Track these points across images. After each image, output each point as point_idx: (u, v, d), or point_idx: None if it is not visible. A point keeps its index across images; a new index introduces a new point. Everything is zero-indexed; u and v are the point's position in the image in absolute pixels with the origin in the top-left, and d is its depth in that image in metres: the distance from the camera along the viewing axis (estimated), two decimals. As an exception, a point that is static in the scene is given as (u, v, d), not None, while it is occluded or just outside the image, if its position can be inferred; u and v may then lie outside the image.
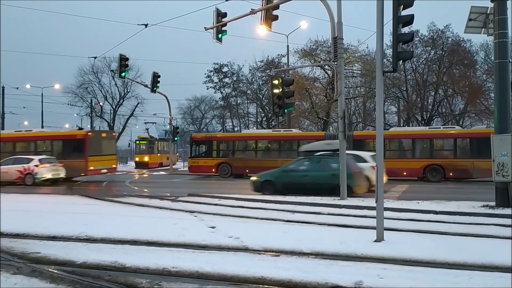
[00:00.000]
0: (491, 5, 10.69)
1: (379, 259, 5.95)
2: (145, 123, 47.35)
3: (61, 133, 26.28)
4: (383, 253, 6.16)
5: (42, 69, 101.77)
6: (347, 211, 10.60)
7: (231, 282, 5.04)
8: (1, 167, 20.74)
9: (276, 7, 13.32)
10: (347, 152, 17.89)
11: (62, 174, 21.66)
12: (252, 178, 15.67)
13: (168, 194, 15.49)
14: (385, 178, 16.15)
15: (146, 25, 20.38)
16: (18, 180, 20.66)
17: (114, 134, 27.26)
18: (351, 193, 13.29)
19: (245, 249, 6.61)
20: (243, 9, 14.25)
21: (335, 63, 13.04)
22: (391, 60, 7.74)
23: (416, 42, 34.16)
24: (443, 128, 25.96)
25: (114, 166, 25.09)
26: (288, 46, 30.18)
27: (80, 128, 25.12)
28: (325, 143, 15.61)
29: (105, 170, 23.91)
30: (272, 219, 9.52)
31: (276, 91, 13.80)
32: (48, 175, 20.91)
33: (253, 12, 13.59)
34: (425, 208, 10.56)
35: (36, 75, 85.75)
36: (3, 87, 37.98)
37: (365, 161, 15.84)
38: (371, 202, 10.17)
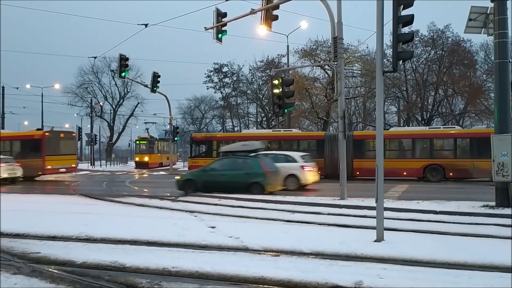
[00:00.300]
0: (491, 5, 10.70)
1: (379, 259, 5.95)
2: (145, 123, 47.46)
3: (19, 134, 26.91)
4: (383, 253, 6.16)
5: (42, 69, 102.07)
6: (347, 211, 10.60)
7: (231, 282, 5.04)
8: None
9: (276, 7, 13.32)
10: (278, 152, 19.39)
11: (19, 173, 22.10)
12: (176, 177, 16.36)
13: (168, 194, 15.48)
14: (315, 177, 17.18)
15: (146, 25, 20.39)
16: None
17: (73, 134, 27.79)
18: (262, 191, 14.16)
19: (245, 249, 6.61)
20: (243, 9, 14.27)
21: (335, 63, 13.04)
22: (391, 60, 7.74)
23: (416, 42, 34.21)
24: (443, 128, 25.96)
25: (73, 165, 25.64)
26: (288, 46, 30.26)
27: (39, 129, 25.63)
28: (242, 144, 16.71)
29: (63, 170, 24.41)
30: (272, 219, 9.52)
31: (276, 91, 13.80)
32: (5, 175, 21.27)
33: (253, 12, 13.59)
34: (425, 208, 10.55)
35: (36, 75, 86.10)
36: (3, 87, 38.07)
37: (294, 161, 16.74)
38: (371, 202, 10.17)
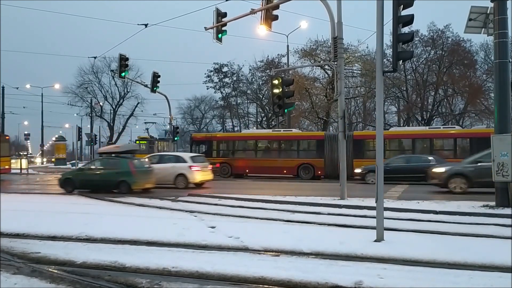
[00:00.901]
0: (491, 5, 10.69)
1: (379, 259, 5.95)
2: (145, 123, 47.41)
3: None
4: (383, 253, 6.16)
5: (42, 69, 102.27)
6: (347, 211, 10.60)
7: (231, 282, 5.04)
8: None
9: (276, 7, 13.32)
10: (171, 153, 20.87)
11: None
12: (58, 176, 17.95)
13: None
14: (205, 176, 18.52)
15: (146, 25, 20.35)
16: None
17: (7, 137, 28.28)
18: (129, 189, 15.37)
19: (245, 249, 6.61)
20: (243, 9, 14.26)
21: (335, 63, 13.04)
22: (391, 60, 7.74)
23: (416, 42, 34.19)
24: (443, 128, 25.94)
25: (7, 167, 26.20)
26: (288, 46, 30.26)
27: None
28: (114, 146, 18.61)
29: None
30: (272, 219, 9.52)
31: (276, 91, 13.79)
32: None
33: (253, 12, 13.58)
34: (425, 208, 10.56)
35: (36, 75, 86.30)
36: (3, 87, 38.02)
37: (184, 161, 18.19)
38: (371, 202, 10.17)
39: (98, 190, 15.49)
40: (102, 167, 16.75)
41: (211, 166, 19.98)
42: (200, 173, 18.12)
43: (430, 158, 19.24)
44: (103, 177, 16.14)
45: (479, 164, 14.03)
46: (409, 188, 16.86)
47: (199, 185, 18.36)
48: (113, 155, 17.22)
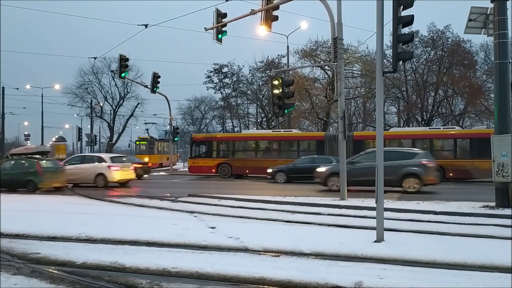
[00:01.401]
0: (491, 5, 10.69)
1: (379, 259, 5.94)
2: (145, 123, 47.40)
3: None
4: (383, 254, 6.15)
5: (42, 69, 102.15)
6: (347, 212, 10.60)
7: (231, 282, 5.04)
8: None
9: (276, 7, 13.31)
10: (93, 154, 22.59)
11: None
12: None
13: (168, 195, 15.48)
14: (125, 176, 19.44)
15: (146, 25, 20.39)
16: None
17: None
18: (36, 188, 16.70)
19: (245, 250, 6.61)
20: (243, 9, 14.26)
21: (335, 63, 13.03)
22: (391, 60, 7.74)
23: (416, 42, 34.22)
24: (443, 128, 25.98)
25: None
26: (288, 46, 30.31)
27: None
28: (25, 148, 20.04)
29: None
30: (272, 220, 9.51)
31: (276, 91, 13.77)
32: None
33: (253, 12, 13.58)
34: (425, 208, 10.56)
35: (36, 75, 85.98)
36: (3, 87, 37.96)
37: (104, 161, 19.36)
38: (371, 202, 10.16)
39: (8, 188, 16.88)
40: (13, 167, 17.79)
41: (134, 166, 21.36)
42: (119, 172, 19.10)
43: (332, 158, 20.06)
44: (13, 177, 17.15)
45: (353, 165, 15.42)
46: (301, 187, 17.36)
47: (123, 184, 19.50)
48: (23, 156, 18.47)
